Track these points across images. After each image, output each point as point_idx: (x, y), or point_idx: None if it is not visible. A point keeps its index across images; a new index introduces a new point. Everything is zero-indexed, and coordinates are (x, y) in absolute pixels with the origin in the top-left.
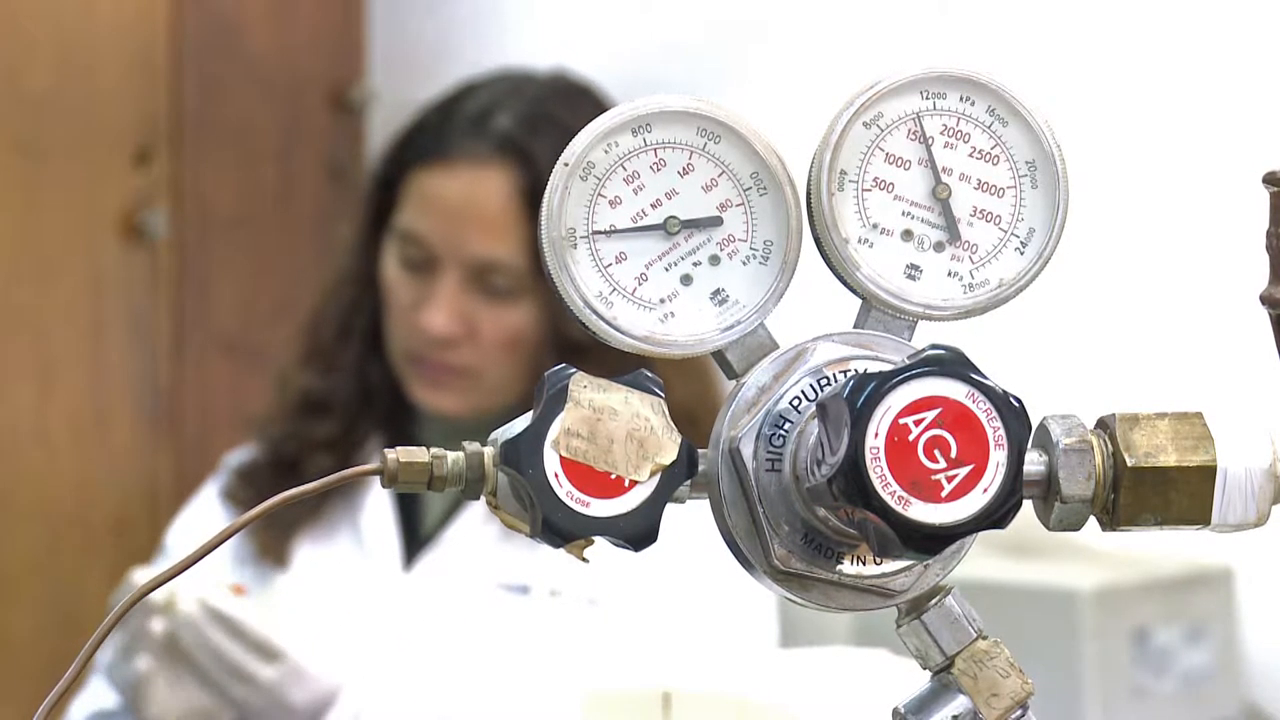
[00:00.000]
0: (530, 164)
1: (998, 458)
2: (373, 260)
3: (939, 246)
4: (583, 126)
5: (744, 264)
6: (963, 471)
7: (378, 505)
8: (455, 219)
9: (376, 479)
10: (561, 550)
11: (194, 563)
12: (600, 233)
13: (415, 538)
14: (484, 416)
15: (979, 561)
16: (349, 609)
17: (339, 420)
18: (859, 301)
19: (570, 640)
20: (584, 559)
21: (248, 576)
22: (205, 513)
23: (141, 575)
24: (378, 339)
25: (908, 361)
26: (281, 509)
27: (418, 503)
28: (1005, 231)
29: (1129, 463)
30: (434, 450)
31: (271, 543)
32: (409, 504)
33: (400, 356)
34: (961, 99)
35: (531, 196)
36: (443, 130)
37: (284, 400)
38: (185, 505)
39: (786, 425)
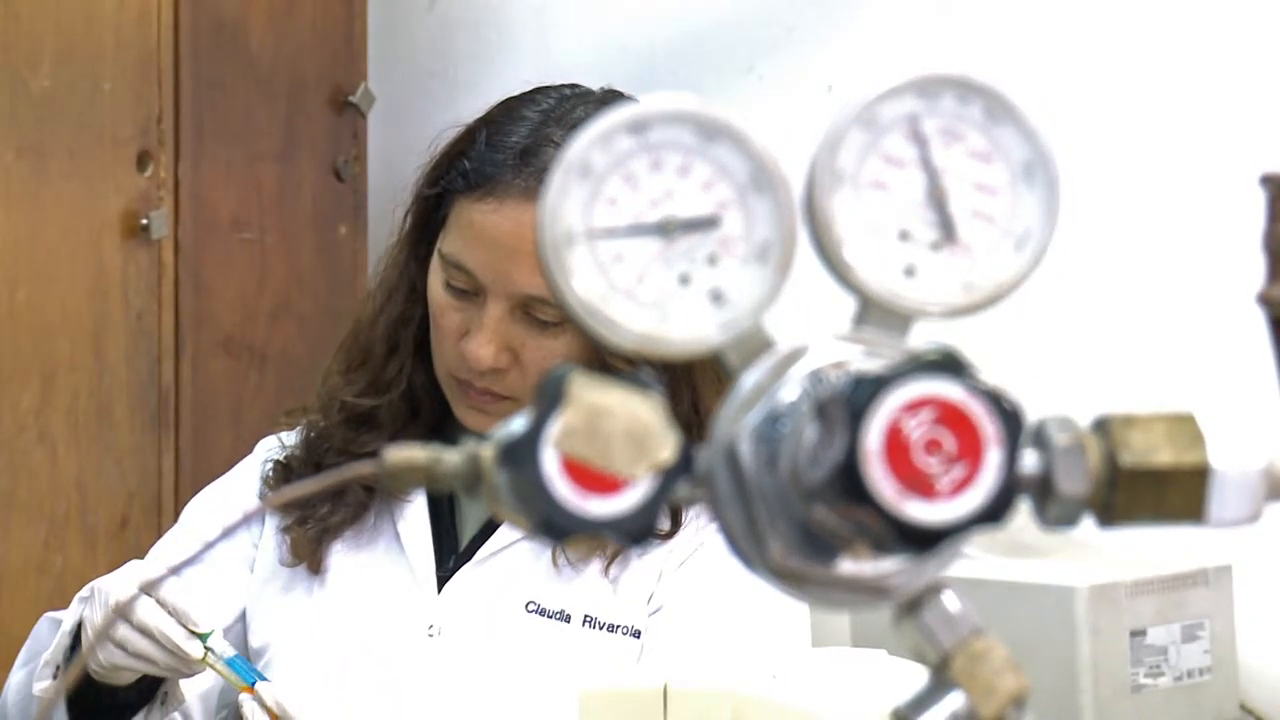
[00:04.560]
0: None
1: (994, 456)
2: (417, 273)
3: (935, 246)
4: None
5: (742, 264)
6: (959, 470)
7: (416, 514)
8: (502, 255)
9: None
10: (592, 576)
11: (188, 564)
12: (598, 233)
13: (454, 549)
14: None
15: (976, 559)
16: (380, 625)
17: (387, 433)
18: (856, 301)
19: (615, 671)
20: (581, 555)
21: (284, 577)
22: (230, 497)
23: (106, 583)
24: (423, 349)
25: (905, 361)
26: (322, 511)
27: (457, 512)
28: (1001, 231)
29: (1124, 462)
30: (432, 450)
31: (305, 547)
32: (447, 514)
33: (446, 377)
34: (957, 100)
35: None
36: (489, 161)
37: (330, 415)
38: (213, 482)
39: (784, 424)
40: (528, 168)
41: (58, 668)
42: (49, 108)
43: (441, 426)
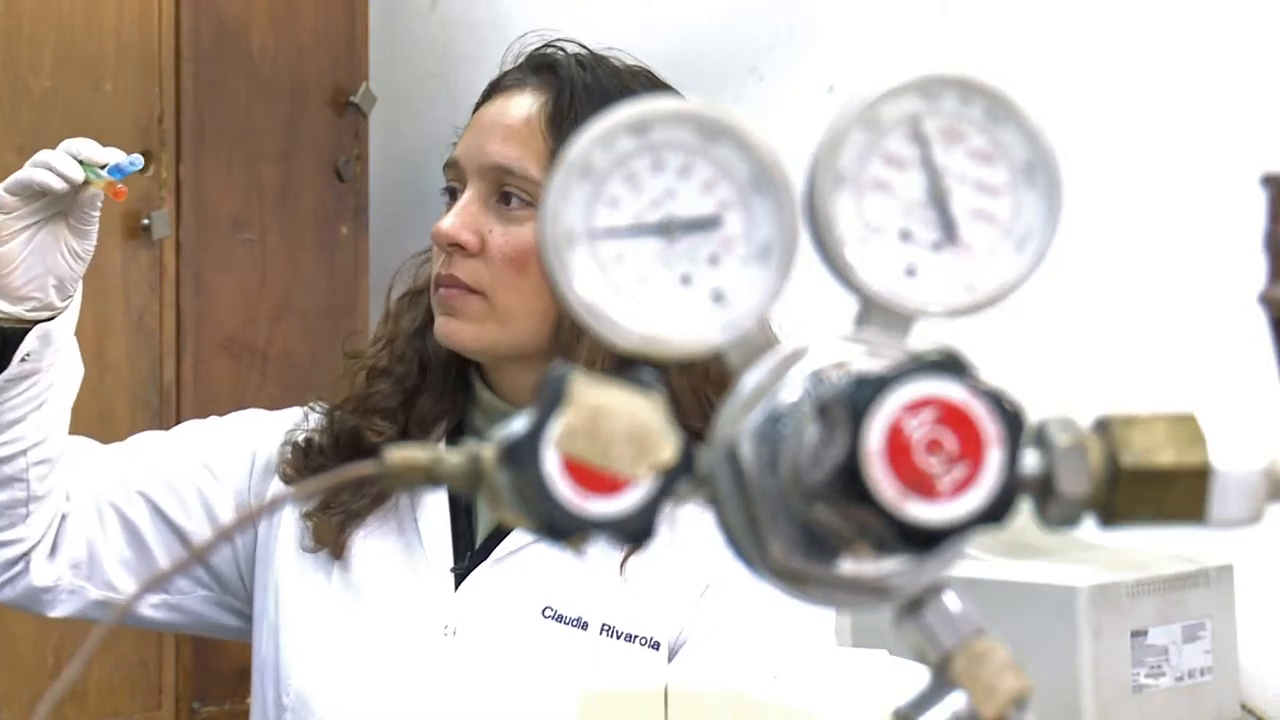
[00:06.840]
0: (563, 86)
1: (995, 457)
2: None
3: (936, 247)
4: (629, 84)
5: (743, 264)
6: (960, 470)
7: (436, 506)
8: (482, 132)
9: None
10: (610, 582)
11: (198, 557)
12: (599, 233)
13: (470, 544)
14: (503, 360)
15: (977, 559)
16: (397, 621)
17: (397, 384)
18: (858, 301)
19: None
20: (580, 551)
21: (304, 559)
22: (252, 432)
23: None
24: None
25: (906, 362)
26: (344, 498)
27: (474, 505)
28: (1003, 231)
29: (1125, 462)
30: (433, 450)
31: (328, 533)
32: (463, 506)
33: (432, 293)
34: (959, 100)
35: (555, 113)
36: (509, 71)
37: (351, 373)
38: (265, 411)
39: (785, 424)
40: (531, 68)
41: None
42: (50, 108)
43: (456, 403)
